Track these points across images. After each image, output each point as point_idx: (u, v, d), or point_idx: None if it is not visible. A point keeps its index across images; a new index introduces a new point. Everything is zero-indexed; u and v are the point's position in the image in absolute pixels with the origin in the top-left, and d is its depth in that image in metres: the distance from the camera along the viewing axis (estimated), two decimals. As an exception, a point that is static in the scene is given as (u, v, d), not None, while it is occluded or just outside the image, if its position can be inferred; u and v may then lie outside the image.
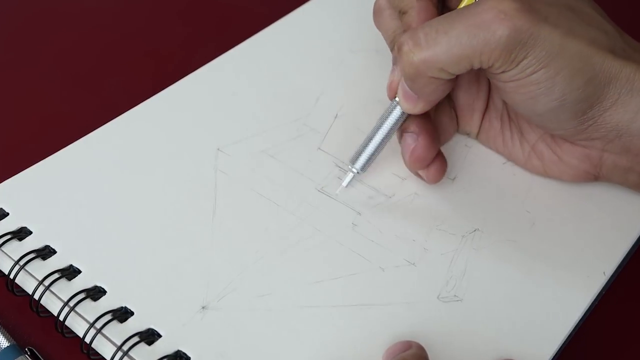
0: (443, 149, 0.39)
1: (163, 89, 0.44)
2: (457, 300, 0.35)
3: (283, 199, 0.38)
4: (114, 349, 0.32)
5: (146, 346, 0.32)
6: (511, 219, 0.38)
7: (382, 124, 0.37)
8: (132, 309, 0.33)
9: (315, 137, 0.42)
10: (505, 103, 0.39)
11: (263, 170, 0.40)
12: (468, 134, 0.42)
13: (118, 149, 0.40)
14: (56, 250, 0.35)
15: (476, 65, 0.33)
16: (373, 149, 0.38)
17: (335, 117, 0.43)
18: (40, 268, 0.34)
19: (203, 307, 0.34)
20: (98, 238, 0.36)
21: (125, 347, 0.32)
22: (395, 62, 0.37)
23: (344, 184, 0.38)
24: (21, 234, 0.36)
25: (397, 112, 0.37)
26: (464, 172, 0.40)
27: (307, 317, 0.34)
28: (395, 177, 0.40)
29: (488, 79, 0.39)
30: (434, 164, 0.38)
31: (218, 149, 0.41)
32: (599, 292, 0.36)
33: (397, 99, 0.37)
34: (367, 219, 0.38)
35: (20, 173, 0.39)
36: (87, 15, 0.52)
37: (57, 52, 0.49)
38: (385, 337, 0.33)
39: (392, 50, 0.38)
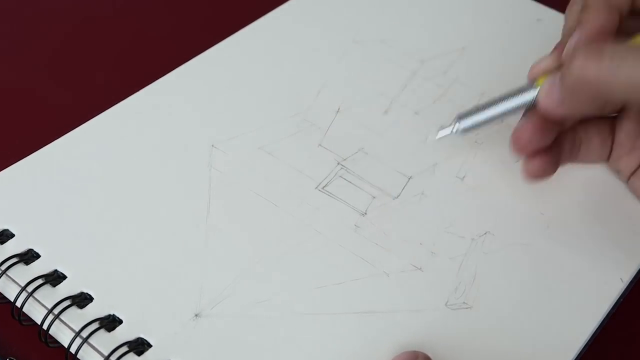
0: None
1: (152, 81, 0.44)
2: (466, 308, 0.34)
3: (281, 199, 0.38)
4: (102, 359, 0.31)
5: (135, 356, 0.32)
6: (524, 221, 0.38)
7: (507, 97, 0.36)
8: (120, 317, 0.33)
9: (315, 133, 0.41)
10: None
11: (260, 168, 0.39)
12: (618, 172, 0.39)
13: (105, 146, 0.40)
14: (40, 254, 0.35)
15: None
16: (484, 119, 0.36)
17: (337, 112, 0.43)
18: (23, 273, 0.34)
19: (196, 315, 0.33)
20: (84, 241, 0.36)
21: (113, 358, 0.31)
22: (557, 46, 0.36)
23: (438, 136, 0.37)
24: (2, 237, 0.35)
25: (528, 95, 0.35)
26: (475, 171, 0.40)
27: (307, 324, 0.33)
28: (401, 175, 0.40)
29: None
30: (539, 157, 0.36)
31: (212, 146, 0.40)
32: (616, 299, 0.35)
33: (534, 83, 0.35)
34: (370, 220, 0.38)
35: (1, 172, 0.38)
36: (70, 6, 0.51)
37: (39, 46, 0.48)
38: (390, 347, 0.33)
39: (563, 36, 0.37)
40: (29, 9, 0.51)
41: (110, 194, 0.38)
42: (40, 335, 0.33)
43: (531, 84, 0.36)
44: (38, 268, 0.34)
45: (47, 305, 0.33)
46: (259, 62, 0.45)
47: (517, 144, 0.36)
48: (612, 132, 0.38)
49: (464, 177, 0.40)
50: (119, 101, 0.42)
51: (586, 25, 0.35)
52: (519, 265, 0.36)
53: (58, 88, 0.45)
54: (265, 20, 0.48)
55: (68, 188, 0.38)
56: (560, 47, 0.36)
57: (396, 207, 0.38)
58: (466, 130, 0.37)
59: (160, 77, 0.44)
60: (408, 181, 0.39)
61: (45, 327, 0.33)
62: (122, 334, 0.32)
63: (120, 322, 0.33)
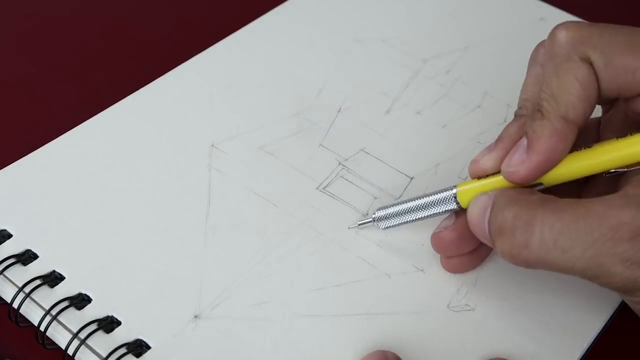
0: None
1: (152, 80, 0.44)
2: (469, 310, 0.34)
3: (282, 199, 0.38)
4: (100, 361, 0.32)
5: (134, 358, 0.32)
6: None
7: (429, 204, 0.34)
8: (119, 319, 0.33)
9: (316, 133, 0.41)
10: None
11: (260, 169, 0.39)
12: None
13: (103, 145, 0.40)
14: (37, 254, 0.35)
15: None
16: (402, 221, 0.35)
17: (339, 111, 0.43)
18: (20, 274, 0.34)
19: (195, 317, 0.33)
20: (82, 242, 0.36)
21: (111, 360, 0.31)
22: (497, 140, 0.33)
23: (359, 224, 0.37)
24: None
25: (450, 206, 0.34)
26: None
27: (307, 327, 0.33)
28: (403, 175, 0.40)
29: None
30: (459, 258, 0.35)
31: (212, 145, 0.40)
32: (620, 302, 0.35)
33: (457, 197, 0.33)
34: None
35: (-1, 171, 0.38)
36: (69, 5, 0.51)
37: (37, 44, 0.48)
38: (391, 349, 0.33)
39: (516, 113, 0.34)
40: (29, 7, 0.51)
41: (108, 194, 0.38)
42: (37, 337, 0.33)
43: (454, 194, 0.34)
44: (35, 269, 0.34)
45: (44, 307, 0.33)
46: (259, 61, 0.45)
47: (437, 246, 0.35)
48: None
49: (466, 177, 0.40)
50: (117, 100, 0.42)
51: (534, 149, 0.31)
52: (522, 268, 0.36)
53: (56, 87, 0.45)
54: (265, 18, 0.48)
55: (66, 188, 0.38)
56: (501, 147, 0.33)
57: (398, 207, 0.38)
58: (386, 229, 0.36)
59: (160, 76, 0.44)
60: (410, 182, 0.39)
61: (42, 328, 0.33)
62: (120, 335, 0.32)
63: (119, 323, 0.33)
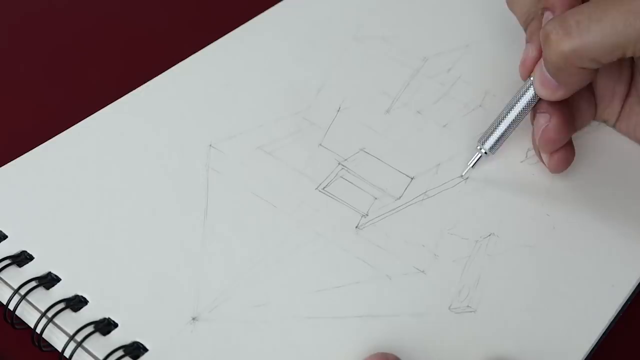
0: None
1: (149, 79, 0.43)
2: (470, 312, 0.34)
3: (281, 200, 0.38)
4: (96, 364, 0.32)
5: (131, 361, 0.32)
6: (529, 223, 0.38)
7: (514, 103, 0.38)
8: (116, 321, 0.33)
9: (316, 133, 0.41)
10: None
11: (259, 169, 0.39)
12: (606, 121, 0.42)
13: (99, 145, 0.40)
14: (33, 256, 0.35)
15: (629, 54, 0.34)
16: (504, 129, 0.38)
17: (338, 111, 0.43)
18: (16, 276, 0.34)
19: (193, 319, 0.33)
20: (79, 243, 0.36)
21: (108, 362, 0.31)
22: (528, 39, 0.39)
23: (471, 163, 0.39)
24: (-6, 238, 0.35)
25: (531, 92, 0.38)
26: (478, 171, 0.40)
27: (307, 329, 0.33)
28: (403, 175, 0.40)
29: (630, 62, 0.40)
30: (562, 151, 0.38)
31: (210, 145, 0.40)
32: (624, 302, 0.35)
33: (531, 78, 0.37)
34: (372, 222, 0.37)
35: (-6, 172, 0.38)
36: (64, 5, 0.51)
37: (32, 43, 0.48)
38: (392, 351, 0.33)
39: (525, 29, 0.39)
40: (22, 3, 0.51)
41: (105, 195, 0.38)
42: (33, 339, 0.33)
43: (527, 80, 0.38)
44: (31, 270, 0.34)
45: (40, 309, 0.33)
46: (257, 59, 0.45)
47: (549, 144, 0.38)
48: (592, 90, 0.41)
49: (467, 177, 0.40)
50: (113, 100, 0.42)
51: (558, 7, 0.36)
52: (524, 268, 0.36)
53: (51, 87, 0.45)
54: (264, 17, 0.48)
55: (62, 189, 0.38)
56: (534, 37, 0.38)
57: (398, 208, 0.38)
58: (492, 148, 0.39)
59: (157, 75, 0.44)
60: (410, 182, 0.39)
61: (38, 330, 0.32)
62: (117, 337, 0.32)
63: (116, 325, 0.33)
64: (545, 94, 0.37)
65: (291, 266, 0.35)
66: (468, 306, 0.35)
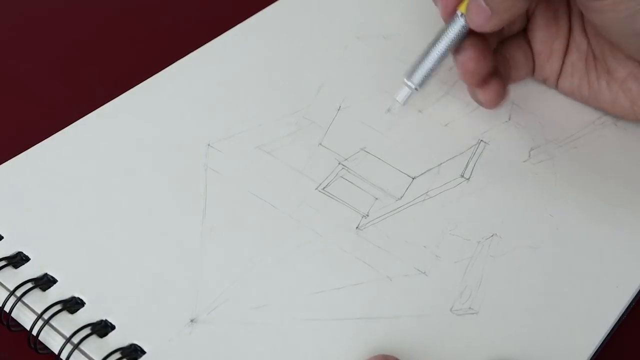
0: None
1: (146, 78, 0.44)
2: (472, 313, 0.34)
3: (280, 200, 0.38)
4: (93, 366, 0.32)
5: (129, 363, 0.32)
6: (532, 223, 0.38)
7: (441, 36, 0.38)
8: (113, 323, 0.33)
9: (315, 132, 0.41)
10: (589, 41, 0.40)
11: (258, 168, 0.39)
12: (545, 81, 0.43)
13: (97, 146, 0.40)
14: (29, 257, 0.35)
15: None
16: (431, 63, 0.38)
17: (338, 110, 0.43)
18: (12, 277, 0.34)
19: (192, 320, 0.33)
20: (75, 244, 0.36)
21: (105, 365, 0.31)
22: None
23: (399, 98, 0.39)
24: (-10, 239, 0.36)
25: (457, 27, 0.38)
26: (481, 171, 0.40)
27: (306, 331, 0.33)
28: (405, 175, 0.40)
29: (567, 18, 0.40)
30: (491, 84, 0.39)
31: (208, 145, 0.40)
32: (628, 304, 0.35)
33: (458, 12, 0.38)
34: (373, 222, 0.38)
35: (-10, 172, 0.38)
36: (62, 3, 0.51)
37: (27, 41, 0.48)
38: (392, 353, 0.33)
39: None
40: (23, 5, 0.51)
41: (102, 195, 0.38)
42: (29, 341, 0.33)
43: (452, 16, 0.38)
44: (27, 271, 0.34)
45: (36, 310, 0.33)
46: (257, 58, 0.45)
47: (468, 74, 0.39)
48: (530, 45, 0.42)
49: (469, 177, 0.40)
50: (111, 99, 0.42)
51: None
52: (527, 269, 0.36)
53: (47, 86, 0.45)
54: (263, 14, 0.48)
55: (58, 189, 0.38)
56: None
57: (399, 208, 0.38)
58: (420, 84, 0.39)
59: (154, 73, 0.44)
60: (412, 182, 0.39)
61: (34, 332, 0.33)
62: (114, 340, 0.32)
63: (113, 327, 0.33)
64: (478, 23, 0.37)
65: (291, 267, 0.35)
66: (470, 308, 0.35)
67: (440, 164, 0.40)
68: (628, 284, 0.36)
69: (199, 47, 0.46)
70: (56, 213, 0.37)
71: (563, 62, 0.41)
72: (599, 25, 0.38)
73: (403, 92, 0.39)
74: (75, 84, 0.46)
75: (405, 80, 0.39)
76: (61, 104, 0.44)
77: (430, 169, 0.40)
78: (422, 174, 0.40)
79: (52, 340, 0.33)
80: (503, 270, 0.36)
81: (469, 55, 0.38)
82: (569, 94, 0.42)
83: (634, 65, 0.39)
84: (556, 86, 0.43)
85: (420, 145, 0.41)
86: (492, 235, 0.37)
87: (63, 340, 0.32)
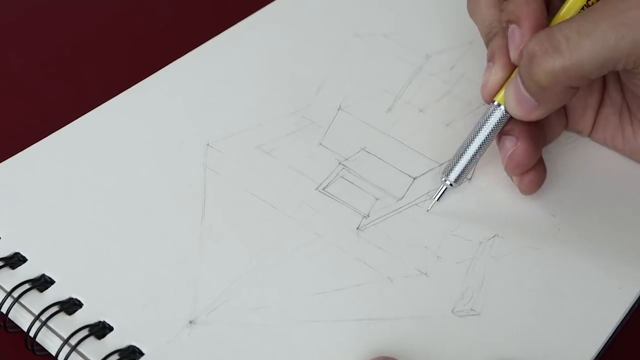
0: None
1: (145, 77, 0.44)
2: (474, 315, 0.34)
3: (280, 200, 0.38)
4: (91, 368, 0.32)
5: (127, 365, 0.32)
6: (534, 224, 0.38)
7: (479, 130, 0.37)
8: (111, 324, 0.33)
9: (315, 132, 0.41)
10: (624, 96, 0.39)
11: (258, 169, 0.39)
12: (579, 132, 0.42)
13: (94, 145, 0.40)
14: (26, 258, 0.35)
15: (619, 68, 0.33)
16: (468, 159, 0.37)
17: (339, 109, 0.43)
18: (9, 278, 0.34)
19: (190, 322, 0.33)
20: (73, 244, 0.36)
21: (103, 367, 0.31)
22: (491, 58, 0.37)
23: (436, 198, 0.38)
24: (-13, 239, 0.35)
25: (497, 116, 0.36)
26: (482, 171, 0.40)
27: (306, 332, 0.33)
28: (405, 176, 0.40)
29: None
30: (531, 172, 0.37)
31: (207, 145, 0.40)
32: (631, 305, 0.35)
33: (495, 102, 0.36)
34: (373, 222, 0.38)
35: (-14, 171, 0.38)
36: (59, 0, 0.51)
37: (23, 39, 0.48)
38: (393, 355, 0.33)
39: (487, 43, 0.38)
40: (21, 2, 0.51)
41: (100, 195, 0.38)
42: (26, 343, 0.33)
43: (491, 104, 0.37)
44: (24, 272, 0.34)
45: (34, 312, 0.33)
46: (256, 57, 0.45)
47: (517, 168, 0.37)
48: None
49: (471, 178, 0.40)
50: (108, 98, 0.42)
51: (524, 19, 0.35)
52: (529, 270, 0.36)
53: (45, 84, 0.45)
54: (263, 13, 0.48)
55: (56, 189, 0.38)
56: (499, 56, 0.36)
57: (400, 209, 0.38)
58: (458, 180, 0.37)
59: (153, 72, 0.44)
60: (413, 182, 0.39)
61: (32, 334, 0.32)
62: (112, 341, 0.32)
63: (111, 329, 0.33)
64: (521, 114, 0.35)
65: (290, 268, 0.35)
66: (472, 309, 0.35)
67: (442, 164, 0.40)
68: (631, 286, 0.36)
69: (198, 46, 0.46)
70: (54, 213, 0.37)
71: (596, 116, 0.40)
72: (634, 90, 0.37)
73: (440, 191, 0.37)
74: (72, 83, 0.45)
75: (443, 178, 0.37)
76: (58, 103, 0.44)
77: (432, 169, 0.40)
78: (423, 174, 0.40)
79: (49, 342, 0.33)
80: (505, 271, 0.36)
81: (521, 148, 0.36)
82: (603, 144, 0.41)
83: None
84: (589, 136, 0.42)
85: (421, 145, 0.41)
86: (494, 236, 0.37)
87: (61, 342, 0.32)
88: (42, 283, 0.34)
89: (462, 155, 0.37)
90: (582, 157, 0.41)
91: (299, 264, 0.36)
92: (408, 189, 0.39)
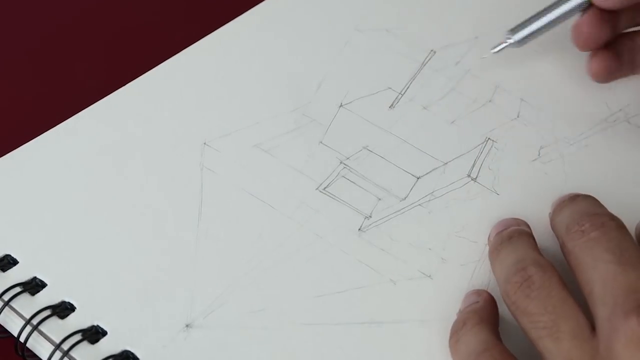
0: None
1: (139, 75, 0.44)
2: (480, 318, 0.34)
3: (279, 200, 0.38)
4: (84, 374, 0.32)
5: (121, 371, 0.32)
6: (542, 225, 0.38)
7: (561, 3, 0.39)
8: (104, 328, 0.33)
9: (316, 130, 0.41)
10: None
11: (256, 168, 0.39)
12: None
13: (87, 145, 0.40)
14: (17, 260, 0.35)
15: None
16: (541, 25, 0.40)
17: (340, 107, 0.43)
18: (-1, 281, 0.34)
19: (187, 326, 0.33)
20: (65, 246, 0.36)
21: (96, 372, 0.32)
22: None
23: (495, 50, 0.40)
24: (-23, 241, 0.36)
25: None
26: (488, 170, 0.40)
27: (306, 336, 0.33)
28: (409, 175, 0.40)
29: None
30: (601, 52, 0.39)
31: (204, 143, 0.40)
32: None
33: None
34: (375, 223, 0.38)
35: (-24, 171, 0.38)
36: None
37: (11, 36, 0.48)
38: (396, 360, 0.33)
39: None
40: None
41: (93, 196, 0.38)
42: (17, 348, 0.33)
43: None
44: (15, 275, 0.34)
45: (24, 315, 0.33)
46: (254, 53, 0.45)
47: (579, 37, 0.39)
48: None
49: (476, 177, 0.40)
50: (102, 97, 0.42)
51: None
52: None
53: (36, 83, 0.45)
54: (261, 7, 0.48)
55: (47, 190, 0.38)
56: None
57: (403, 209, 0.38)
58: (522, 41, 0.40)
59: (149, 69, 0.44)
60: (416, 181, 0.39)
61: (22, 339, 0.33)
62: (106, 346, 0.32)
63: (105, 333, 0.33)
64: None
65: (290, 270, 0.35)
66: (477, 312, 0.35)
67: (446, 163, 0.40)
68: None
69: (195, 42, 0.46)
70: (45, 215, 0.37)
71: None
72: None
73: (501, 45, 0.40)
74: (65, 81, 0.46)
75: (507, 34, 0.40)
76: (50, 102, 0.44)
77: (436, 168, 0.40)
78: (427, 173, 0.40)
79: (40, 347, 0.33)
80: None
81: (586, 17, 0.39)
82: None
83: None
84: None
85: (425, 144, 0.41)
86: (500, 237, 0.37)
87: (52, 347, 0.32)
88: (33, 286, 0.34)
89: (537, 19, 0.40)
90: (591, 158, 0.41)
91: (299, 266, 0.36)
92: (411, 188, 0.39)
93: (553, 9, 0.40)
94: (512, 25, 0.40)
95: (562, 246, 0.33)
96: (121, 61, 0.46)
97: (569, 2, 0.39)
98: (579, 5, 0.39)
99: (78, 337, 0.32)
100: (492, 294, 0.34)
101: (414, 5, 0.49)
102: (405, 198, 0.39)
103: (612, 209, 0.39)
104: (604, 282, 0.30)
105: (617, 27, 0.40)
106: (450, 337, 0.33)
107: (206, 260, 0.35)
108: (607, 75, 0.40)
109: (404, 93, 0.44)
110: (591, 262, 0.31)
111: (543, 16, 0.40)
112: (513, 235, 0.35)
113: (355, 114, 0.42)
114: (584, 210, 0.33)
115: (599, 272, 0.30)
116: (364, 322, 0.34)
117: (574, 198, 0.35)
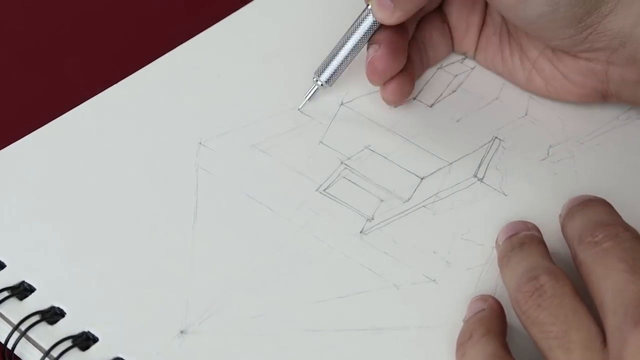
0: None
1: (133, 71, 0.44)
2: (487, 324, 0.34)
3: (278, 202, 0.38)
4: (74, 382, 0.32)
5: (113, 379, 0.32)
6: (550, 227, 0.38)
7: (351, 33, 0.40)
8: (95, 335, 0.33)
9: (316, 129, 0.41)
10: (504, 17, 0.42)
11: (254, 169, 0.39)
12: (465, 54, 0.45)
13: (80, 144, 0.40)
14: (5, 264, 0.35)
15: None
16: (341, 60, 0.41)
17: (341, 105, 0.43)
18: (-14, 285, 0.34)
19: (182, 332, 0.33)
20: (55, 249, 0.36)
21: (87, 380, 0.32)
22: None
23: (307, 96, 0.41)
24: (-37, 244, 0.36)
25: (368, 22, 0.40)
26: (495, 170, 0.40)
27: (306, 343, 0.33)
28: (412, 175, 0.40)
29: None
30: (394, 80, 0.40)
31: (200, 143, 0.40)
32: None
33: (369, 5, 0.40)
34: (378, 226, 0.38)
35: (-37, 172, 0.38)
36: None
37: (6, 29, 0.48)
38: (400, 368, 0.33)
39: None
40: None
41: (85, 197, 0.38)
42: (4, 356, 0.33)
43: (365, 8, 0.40)
44: (2, 279, 0.34)
45: (12, 321, 0.33)
46: (252, 49, 0.45)
47: (375, 75, 0.40)
48: (446, 21, 0.44)
49: (483, 177, 0.40)
50: (94, 94, 0.42)
51: None
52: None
53: (28, 80, 0.46)
54: (257, 3, 0.48)
55: (36, 191, 0.38)
56: None
57: (407, 211, 0.38)
58: (329, 80, 0.41)
59: (142, 66, 0.44)
60: (420, 182, 0.39)
61: (10, 345, 0.33)
62: (97, 353, 0.32)
63: (96, 340, 0.33)
64: (382, 17, 0.39)
65: (289, 274, 0.35)
66: (484, 318, 0.35)
67: (451, 163, 0.40)
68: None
69: (190, 38, 0.46)
70: (35, 217, 0.37)
71: (479, 36, 0.44)
72: (497, 8, 0.40)
73: (311, 90, 0.41)
74: (57, 78, 0.46)
75: (314, 76, 0.41)
76: (42, 99, 0.44)
77: (441, 168, 0.40)
78: (431, 173, 0.40)
79: (28, 354, 0.33)
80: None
81: (380, 53, 0.40)
82: (485, 66, 0.44)
83: (544, 46, 0.41)
84: (474, 58, 0.45)
85: (429, 143, 0.41)
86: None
87: (41, 354, 0.32)
88: (21, 291, 0.34)
89: (334, 57, 0.41)
90: (601, 157, 0.41)
91: (299, 270, 0.36)
92: (415, 189, 0.39)
93: (345, 42, 0.40)
94: (317, 69, 0.41)
95: (574, 257, 0.33)
96: (114, 58, 0.46)
97: (358, 31, 0.40)
98: (370, 30, 0.40)
99: (68, 343, 0.32)
100: (499, 300, 0.34)
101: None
102: (408, 199, 0.39)
103: (625, 211, 0.39)
104: (616, 291, 0.30)
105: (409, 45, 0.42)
106: (457, 350, 0.33)
107: (202, 264, 0.35)
108: (404, 99, 0.41)
109: (408, 91, 0.44)
110: (603, 272, 0.31)
111: (339, 51, 0.41)
112: (524, 241, 0.35)
113: (357, 113, 0.42)
114: (598, 219, 0.33)
115: (611, 281, 0.30)
116: (366, 329, 0.34)
117: (587, 203, 0.35)
